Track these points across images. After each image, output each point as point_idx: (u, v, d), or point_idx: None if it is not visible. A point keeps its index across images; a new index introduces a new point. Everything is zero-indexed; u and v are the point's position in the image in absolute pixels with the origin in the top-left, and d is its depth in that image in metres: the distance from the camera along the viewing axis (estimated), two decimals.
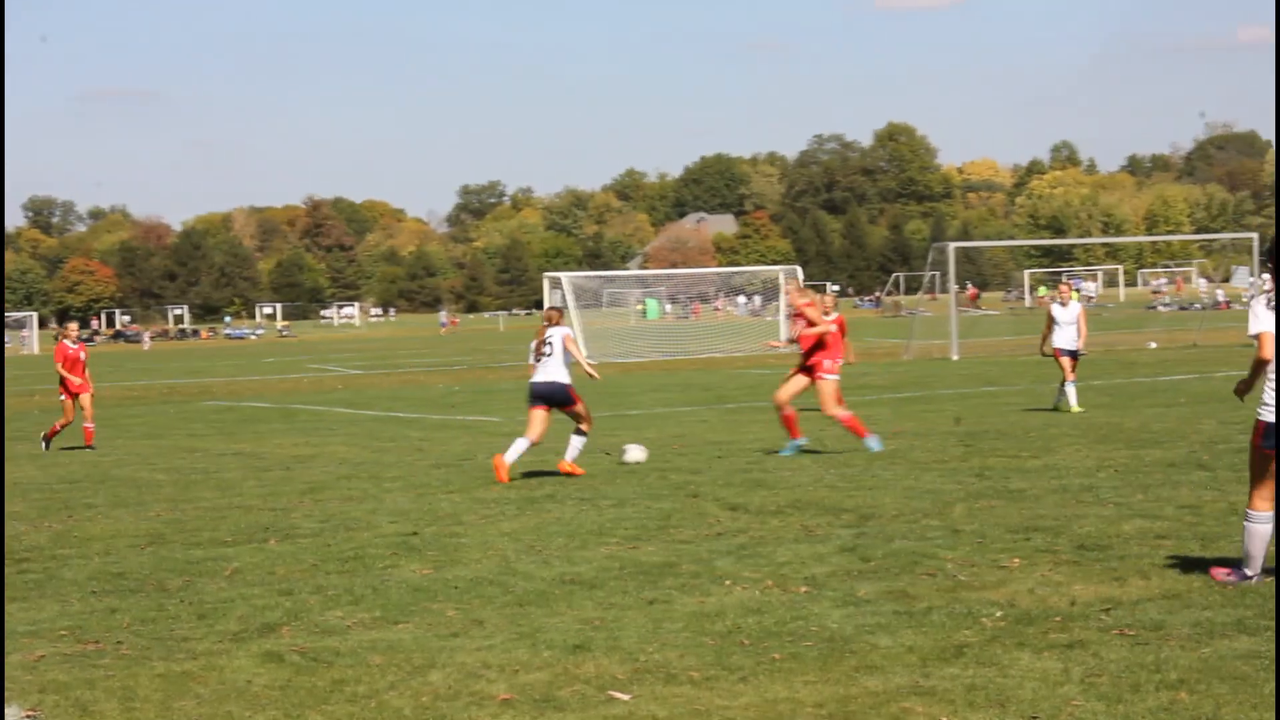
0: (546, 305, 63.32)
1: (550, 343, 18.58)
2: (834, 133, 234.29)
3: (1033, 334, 63.34)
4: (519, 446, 18.33)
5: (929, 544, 12.11)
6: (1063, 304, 26.21)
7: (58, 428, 26.27)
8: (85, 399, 26.72)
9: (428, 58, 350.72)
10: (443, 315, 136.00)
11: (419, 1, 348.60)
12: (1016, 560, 11.27)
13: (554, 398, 18.54)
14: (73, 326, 28.21)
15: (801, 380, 20.25)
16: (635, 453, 19.53)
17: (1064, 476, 16.11)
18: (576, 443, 18.47)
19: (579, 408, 18.52)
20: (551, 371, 18.56)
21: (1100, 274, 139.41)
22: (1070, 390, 25.39)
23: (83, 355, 27.08)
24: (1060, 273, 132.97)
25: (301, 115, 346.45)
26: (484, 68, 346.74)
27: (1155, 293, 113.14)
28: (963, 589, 10.32)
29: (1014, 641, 8.77)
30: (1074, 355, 25.88)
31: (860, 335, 70.66)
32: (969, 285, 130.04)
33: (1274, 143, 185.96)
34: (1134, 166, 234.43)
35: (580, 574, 11.46)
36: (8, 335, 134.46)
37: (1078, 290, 54.77)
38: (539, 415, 18.49)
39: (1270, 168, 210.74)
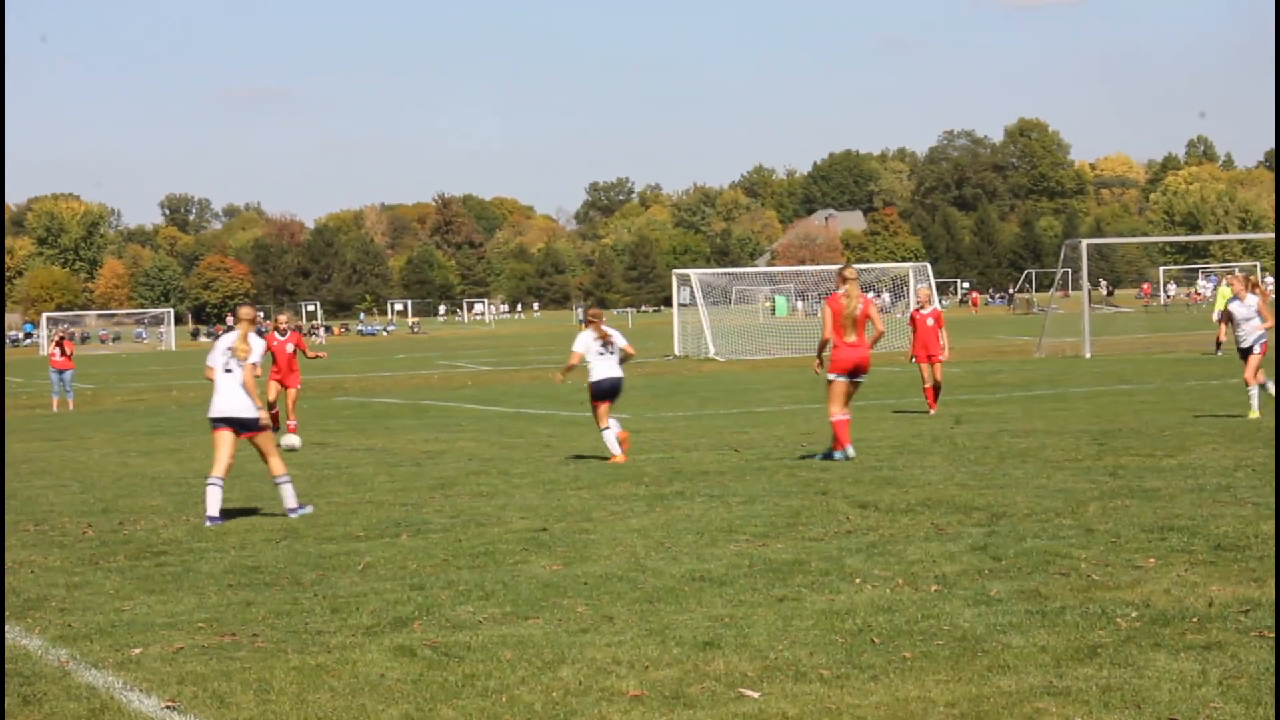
0: (677, 303, 63.26)
1: (613, 341, 20.30)
2: (964, 129, 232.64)
3: (1166, 331, 62.57)
4: (609, 440, 20.03)
5: (1062, 543, 11.98)
6: (1239, 298, 23.73)
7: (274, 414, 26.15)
8: (291, 393, 27.17)
9: (555, 55, 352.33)
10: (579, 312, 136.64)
11: (549, 1, 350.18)
12: (1152, 560, 11.13)
13: (616, 391, 20.32)
14: (283, 317, 28.54)
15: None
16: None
17: (1200, 476, 15.88)
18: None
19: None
20: (613, 368, 20.31)
21: (1237, 270, 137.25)
22: (1253, 394, 23.04)
23: (289, 348, 27.29)
24: (1196, 269, 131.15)
25: (433, 113, 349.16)
26: (612, 65, 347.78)
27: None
28: (1097, 589, 10.20)
29: (1149, 642, 8.66)
30: (1248, 352, 23.32)
31: (991, 333, 70.13)
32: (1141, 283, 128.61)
33: (1274, 141, 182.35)
34: (1272, 162, 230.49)
35: (709, 571, 11.45)
36: (145, 332, 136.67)
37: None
38: (604, 409, 20.22)
39: None
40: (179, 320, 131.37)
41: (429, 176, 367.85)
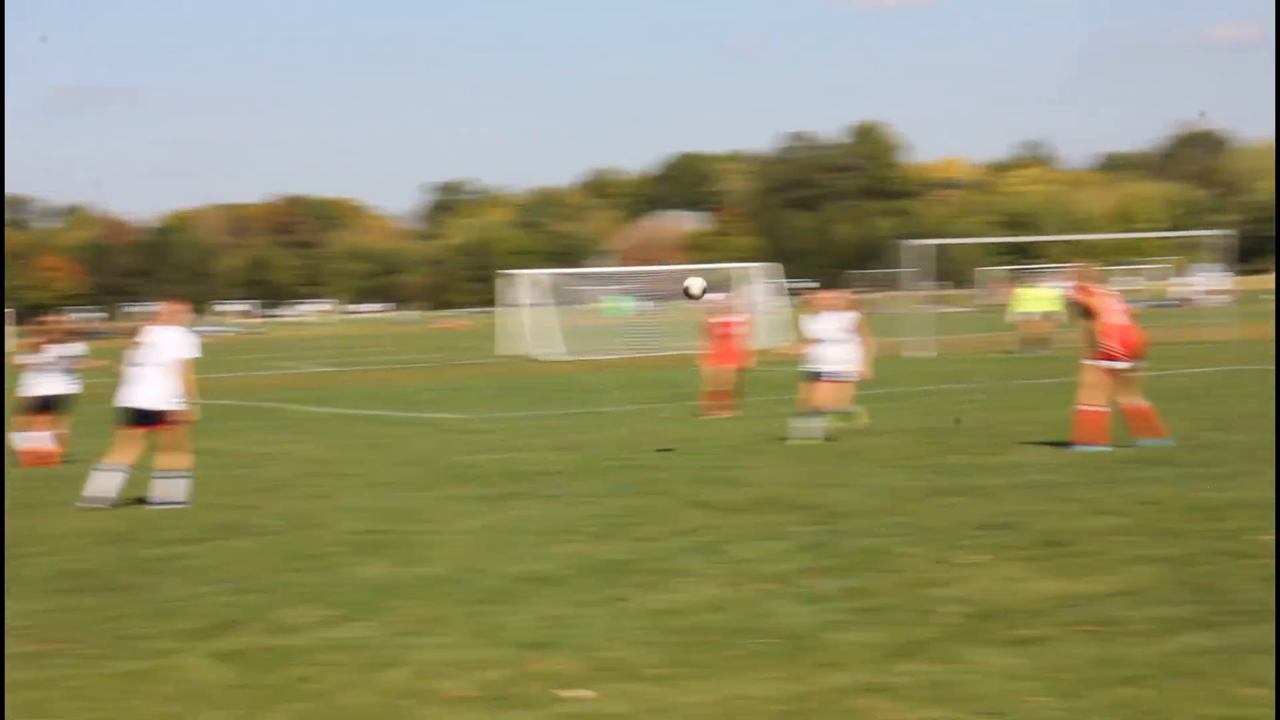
0: (518, 303, 63.12)
1: None
2: (805, 130, 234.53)
3: (1001, 330, 63.47)
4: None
5: (891, 541, 12.11)
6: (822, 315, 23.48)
7: None
8: None
9: (397, 54, 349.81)
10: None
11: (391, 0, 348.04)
12: (979, 557, 11.28)
13: None
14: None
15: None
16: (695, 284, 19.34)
17: (1028, 473, 16.14)
18: None
19: None
20: None
21: (1051, 272, 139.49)
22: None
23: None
24: (1030, 269, 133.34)
25: (273, 112, 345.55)
26: (453, 64, 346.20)
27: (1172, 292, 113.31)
28: (924, 585, 10.32)
29: (974, 638, 8.77)
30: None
31: None
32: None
33: (1275, 141, 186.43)
34: (1104, 164, 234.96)
35: (543, 571, 11.44)
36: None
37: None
38: None
39: (1233, 164, 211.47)
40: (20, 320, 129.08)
41: (269, 176, 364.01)
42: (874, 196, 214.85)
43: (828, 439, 20.40)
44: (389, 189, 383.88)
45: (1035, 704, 7.44)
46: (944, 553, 11.51)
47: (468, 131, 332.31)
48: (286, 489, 17.45)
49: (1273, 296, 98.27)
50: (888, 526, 12.88)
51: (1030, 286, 51.84)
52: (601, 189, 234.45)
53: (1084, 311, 18.38)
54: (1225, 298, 65.65)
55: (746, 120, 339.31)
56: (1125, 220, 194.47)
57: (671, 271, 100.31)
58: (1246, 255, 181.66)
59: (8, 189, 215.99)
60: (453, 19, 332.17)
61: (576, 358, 54.45)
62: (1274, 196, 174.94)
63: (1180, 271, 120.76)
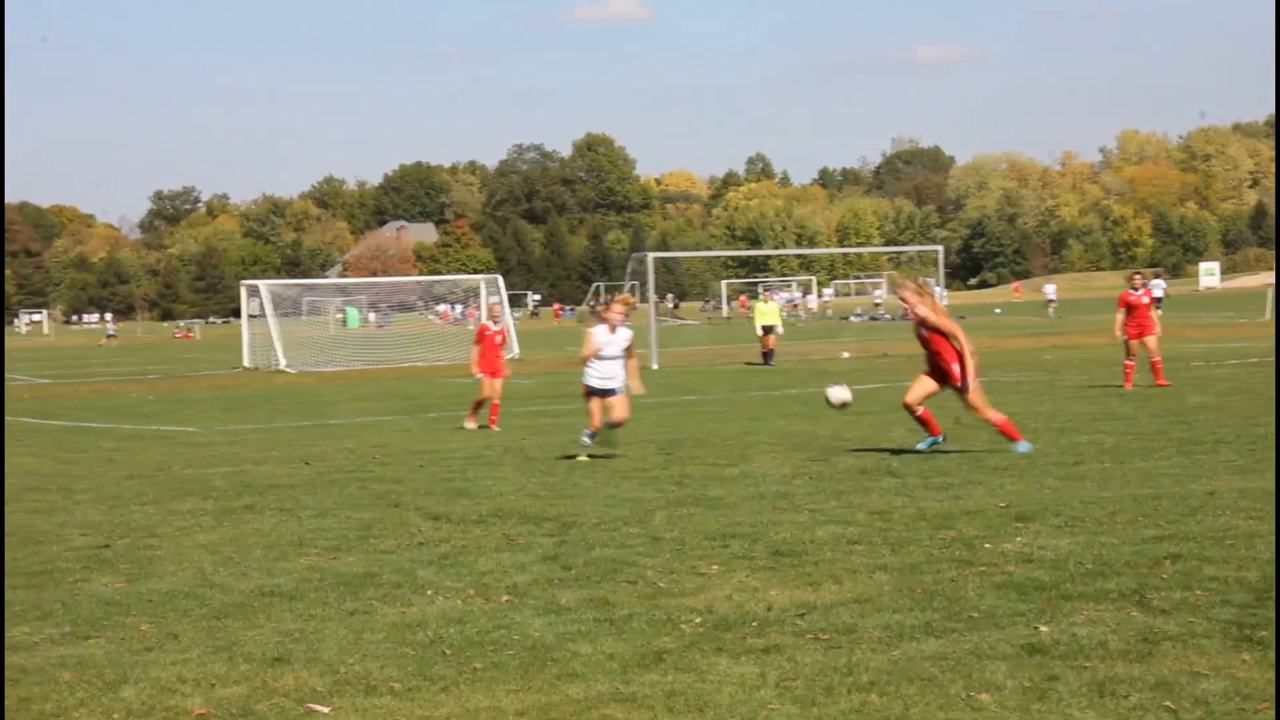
0: (246, 314, 62.08)
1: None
2: (534, 142, 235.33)
3: (730, 343, 64.37)
4: None
5: (629, 551, 12.21)
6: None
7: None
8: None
9: (117, 57, 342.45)
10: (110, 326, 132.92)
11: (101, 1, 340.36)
12: (715, 566, 11.43)
13: None
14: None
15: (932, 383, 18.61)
16: (839, 392, 18.78)
17: (761, 484, 16.39)
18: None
19: None
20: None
21: (795, 284, 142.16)
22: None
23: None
24: (756, 283, 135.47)
25: None
26: (176, 69, 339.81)
27: (876, 304, 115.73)
28: (662, 596, 10.43)
29: (712, 647, 8.89)
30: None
31: (562, 344, 70.99)
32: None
33: (1274, 140, 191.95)
34: (825, 180, 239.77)
35: (279, 585, 11.30)
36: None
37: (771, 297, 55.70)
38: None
39: (953, 182, 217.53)
40: None
41: None
42: (602, 209, 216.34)
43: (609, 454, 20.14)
44: (112, 198, 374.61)
45: (773, 711, 7.57)
46: (680, 563, 11.64)
47: (193, 139, 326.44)
48: (9, 504, 16.93)
49: (985, 310, 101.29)
50: (626, 537, 12.98)
51: (762, 300, 52.69)
52: (330, 199, 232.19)
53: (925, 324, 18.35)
54: None
55: (476, 132, 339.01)
56: (847, 235, 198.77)
57: (401, 283, 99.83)
58: (958, 271, 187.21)
59: None
60: (175, 20, 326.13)
61: (307, 369, 53.83)
62: (1275, 194, 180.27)
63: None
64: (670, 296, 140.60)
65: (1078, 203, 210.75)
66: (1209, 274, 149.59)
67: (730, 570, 11.28)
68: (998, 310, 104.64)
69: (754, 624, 9.44)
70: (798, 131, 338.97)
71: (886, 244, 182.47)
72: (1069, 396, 27.63)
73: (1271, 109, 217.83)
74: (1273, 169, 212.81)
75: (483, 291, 68.82)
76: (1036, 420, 22.76)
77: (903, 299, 18.69)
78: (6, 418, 33.49)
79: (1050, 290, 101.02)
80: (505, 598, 10.57)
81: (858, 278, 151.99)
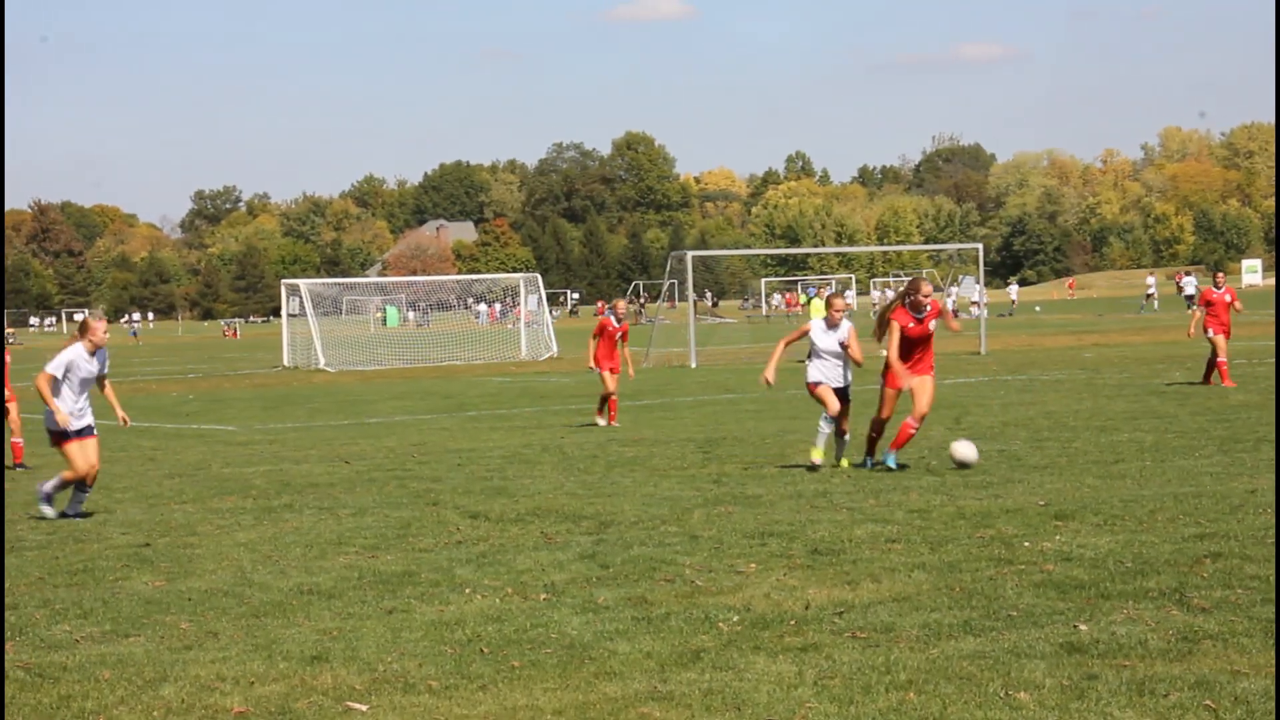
0: (286, 313, 62.24)
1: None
2: (573, 141, 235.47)
3: (769, 341, 64.26)
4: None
5: (667, 550, 12.21)
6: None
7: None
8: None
9: (160, 57, 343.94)
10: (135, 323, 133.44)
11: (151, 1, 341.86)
12: (753, 565, 11.42)
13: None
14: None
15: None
16: (964, 450, 17.17)
17: (799, 482, 16.37)
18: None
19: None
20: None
21: (835, 283, 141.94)
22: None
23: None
24: (795, 281, 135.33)
25: (28, 115, 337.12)
26: (218, 70, 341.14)
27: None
28: (700, 594, 10.42)
29: (750, 645, 8.88)
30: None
31: None
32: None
33: (1275, 139, 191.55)
34: (865, 178, 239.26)
35: (318, 584, 11.33)
36: None
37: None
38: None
39: (993, 180, 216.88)
40: None
41: (25, 182, 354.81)
42: (641, 208, 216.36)
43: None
44: (153, 198, 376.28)
45: (810, 709, 7.56)
46: (718, 561, 11.64)
47: (234, 139, 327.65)
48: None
49: (1025, 308, 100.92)
50: (664, 536, 12.98)
51: (821, 298, 52.48)
52: (370, 198, 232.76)
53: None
54: (978, 310, 67.15)
55: (516, 131, 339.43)
56: (887, 232, 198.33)
57: (440, 282, 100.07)
58: (1002, 268, 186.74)
59: None
60: (223, 20, 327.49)
61: (346, 368, 53.96)
62: (1275, 194, 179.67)
63: (948, 282, 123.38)
64: (709, 294, 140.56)
65: (1119, 200, 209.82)
66: (1251, 271, 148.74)
67: (768, 569, 11.27)
68: (1037, 309, 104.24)
69: (791, 622, 9.43)
70: (838, 130, 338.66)
71: (926, 242, 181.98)
72: (1109, 395, 27.50)
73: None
74: None
75: (522, 290, 68.89)
76: (1076, 419, 22.68)
77: (930, 301, 17.93)
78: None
79: (1151, 282, 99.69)
80: (543, 596, 10.58)
81: (897, 276, 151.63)
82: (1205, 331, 28.87)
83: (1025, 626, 9.03)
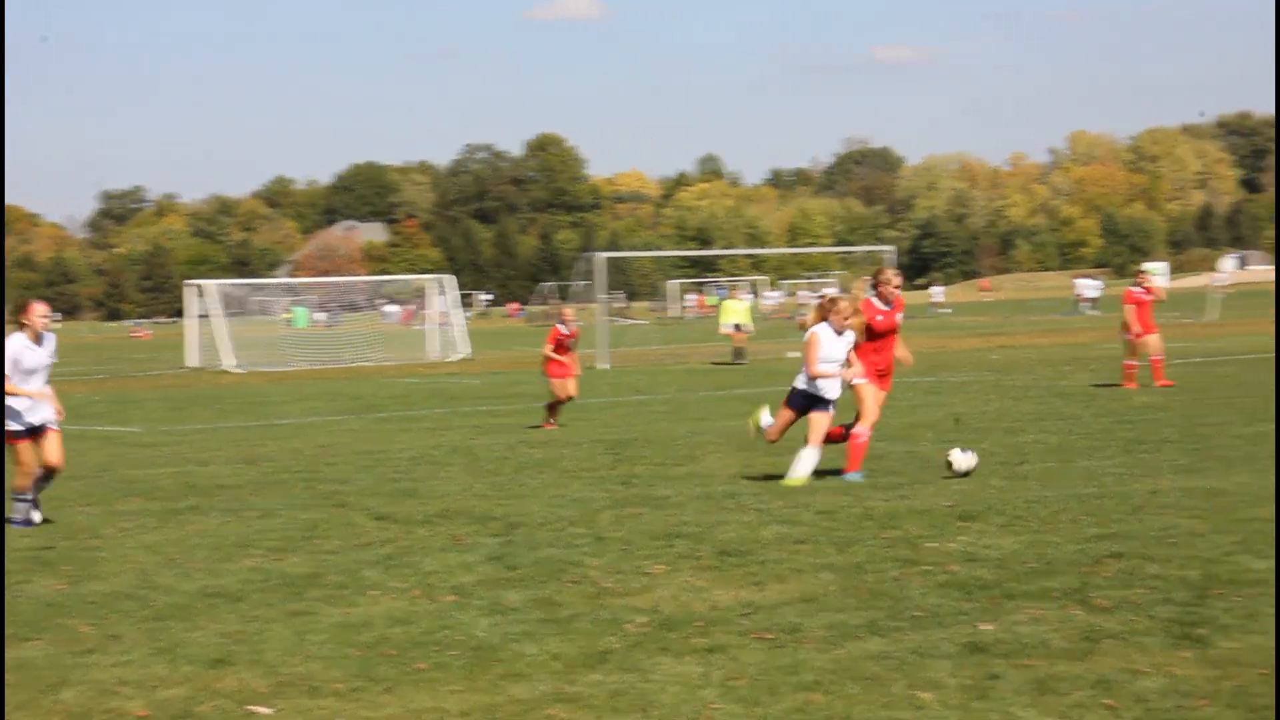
0: (193, 314, 61.71)
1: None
2: (485, 142, 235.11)
3: (679, 343, 64.40)
4: None
5: (575, 551, 12.20)
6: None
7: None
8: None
9: (65, 55, 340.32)
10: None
11: (58, 1, 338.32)
12: (660, 567, 11.43)
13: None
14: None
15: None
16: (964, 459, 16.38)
17: (708, 484, 16.40)
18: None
19: None
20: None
21: (749, 284, 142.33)
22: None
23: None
24: (705, 283, 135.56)
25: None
26: (127, 67, 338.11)
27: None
28: (607, 596, 10.42)
29: (656, 647, 8.89)
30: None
31: (510, 344, 70.94)
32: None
33: (1275, 141, 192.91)
34: (777, 180, 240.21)
35: (223, 587, 11.24)
36: None
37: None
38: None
39: (903, 182, 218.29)
40: None
41: None
42: (553, 209, 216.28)
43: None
44: (59, 197, 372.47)
45: (716, 710, 7.57)
46: (626, 563, 11.64)
47: (141, 138, 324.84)
48: None
49: (923, 311, 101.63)
50: (572, 537, 12.97)
51: (733, 299, 52.60)
52: (280, 198, 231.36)
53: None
54: None
55: (428, 132, 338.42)
56: (798, 235, 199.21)
57: (350, 282, 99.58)
58: (911, 270, 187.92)
59: None
60: (128, 18, 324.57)
61: (253, 369, 53.59)
62: (1275, 193, 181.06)
63: (846, 285, 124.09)
64: (621, 296, 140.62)
65: (1026, 203, 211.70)
66: (1156, 274, 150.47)
67: (676, 570, 11.28)
68: (949, 310, 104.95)
69: (698, 624, 9.45)
70: (750, 132, 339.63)
71: (837, 244, 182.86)
72: (1016, 397, 27.74)
73: (1217, 111, 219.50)
74: (1220, 169, 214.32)
75: (434, 291, 68.60)
76: (983, 420, 22.87)
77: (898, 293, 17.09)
78: None
79: (1087, 286, 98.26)
80: (450, 598, 10.54)
81: (808, 277, 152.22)
82: (1125, 332, 29.11)
83: (930, 627, 9.08)
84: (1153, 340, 28.70)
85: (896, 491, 14.99)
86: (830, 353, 16.28)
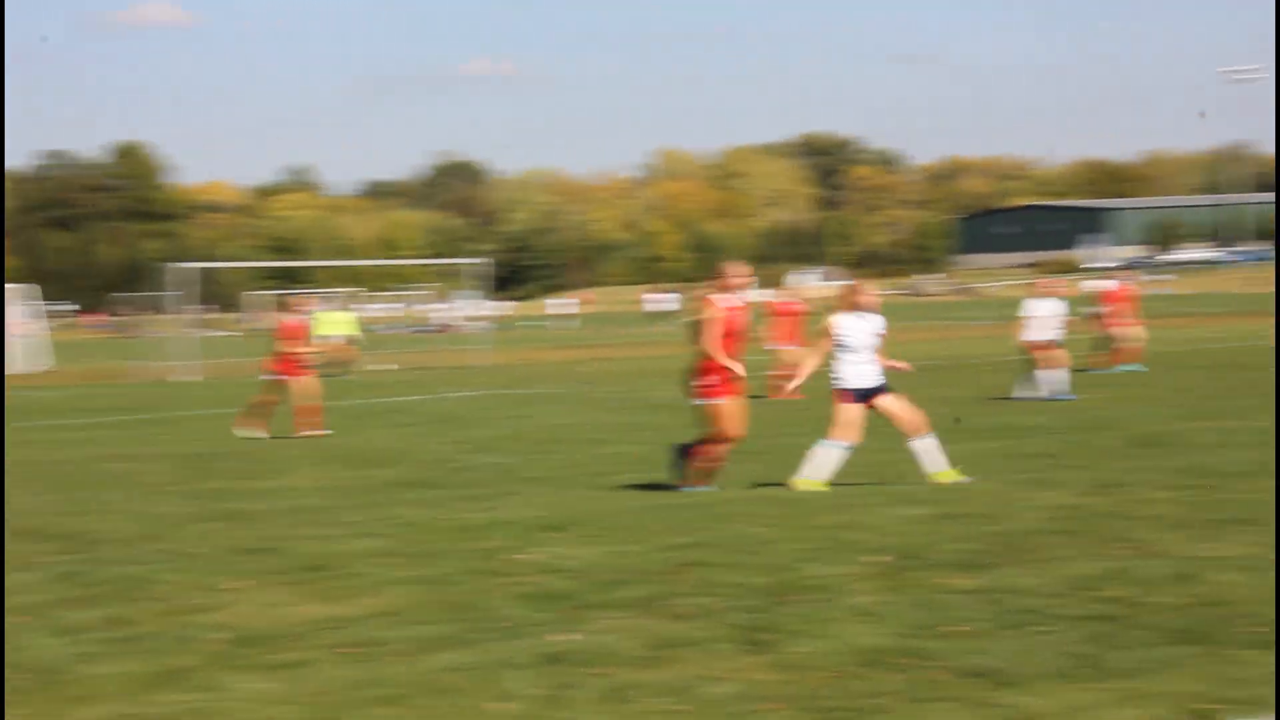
0: None
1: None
2: (66, 148, 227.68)
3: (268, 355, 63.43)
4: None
5: (153, 568, 11.89)
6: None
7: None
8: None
9: None
10: None
11: None
12: (243, 582, 11.23)
13: None
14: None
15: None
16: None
17: (294, 497, 16.22)
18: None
19: None
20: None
21: (339, 296, 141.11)
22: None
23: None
24: (294, 293, 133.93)
25: None
26: None
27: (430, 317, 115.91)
28: (184, 613, 10.19)
29: (235, 664, 8.73)
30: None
31: (93, 355, 68.83)
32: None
33: (1275, 143, 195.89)
34: (371, 191, 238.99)
35: None
36: None
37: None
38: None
39: (495, 196, 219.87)
40: None
41: None
42: (137, 218, 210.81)
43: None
44: None
45: None
46: (205, 579, 11.40)
47: None
48: None
49: (529, 324, 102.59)
50: (148, 554, 12.64)
51: (331, 310, 52.07)
52: None
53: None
54: (484, 324, 67.95)
55: (7, 136, 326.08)
56: (389, 247, 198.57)
57: None
58: (503, 283, 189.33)
59: None
60: None
61: None
62: (1275, 194, 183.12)
63: (441, 298, 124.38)
64: (215, 307, 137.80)
65: (615, 218, 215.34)
66: (802, 284, 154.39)
67: (259, 585, 11.10)
68: (546, 324, 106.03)
69: (280, 639, 9.31)
70: (343, 143, 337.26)
71: (435, 256, 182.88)
72: (606, 409, 28.18)
73: (794, 131, 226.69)
74: (797, 187, 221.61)
75: (15, 302, 66.07)
76: (572, 432, 23.16)
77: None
78: None
79: (655, 301, 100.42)
80: (17, 619, 10.15)
81: (403, 290, 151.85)
82: (767, 344, 29.68)
83: (511, 638, 9.14)
84: (792, 353, 28.89)
85: (484, 503, 15.06)
86: (855, 340, 15.23)
